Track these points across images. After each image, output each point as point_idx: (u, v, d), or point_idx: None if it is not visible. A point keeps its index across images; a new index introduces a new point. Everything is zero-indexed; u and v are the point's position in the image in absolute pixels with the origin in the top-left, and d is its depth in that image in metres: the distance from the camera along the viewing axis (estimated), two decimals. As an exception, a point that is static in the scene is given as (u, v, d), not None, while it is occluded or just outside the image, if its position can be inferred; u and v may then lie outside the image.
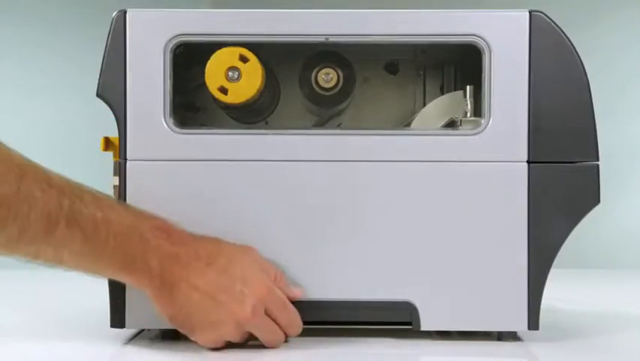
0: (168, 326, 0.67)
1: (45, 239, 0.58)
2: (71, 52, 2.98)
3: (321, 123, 0.85)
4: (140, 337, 0.75)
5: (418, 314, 0.71)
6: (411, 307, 0.71)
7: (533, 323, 0.71)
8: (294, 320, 0.69)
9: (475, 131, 0.72)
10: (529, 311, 0.71)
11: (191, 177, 0.71)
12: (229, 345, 0.67)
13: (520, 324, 0.71)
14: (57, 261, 0.61)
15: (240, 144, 0.72)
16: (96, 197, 0.62)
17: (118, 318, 0.71)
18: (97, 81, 0.71)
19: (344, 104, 0.83)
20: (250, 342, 0.68)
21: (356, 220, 0.71)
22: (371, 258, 0.71)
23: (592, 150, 0.71)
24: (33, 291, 1.15)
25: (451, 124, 0.77)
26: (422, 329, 0.71)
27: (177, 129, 0.71)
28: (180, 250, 0.65)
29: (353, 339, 0.73)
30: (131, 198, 0.70)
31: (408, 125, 0.82)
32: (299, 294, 0.70)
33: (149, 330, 0.76)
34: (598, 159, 0.71)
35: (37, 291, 1.14)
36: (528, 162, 0.71)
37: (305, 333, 0.71)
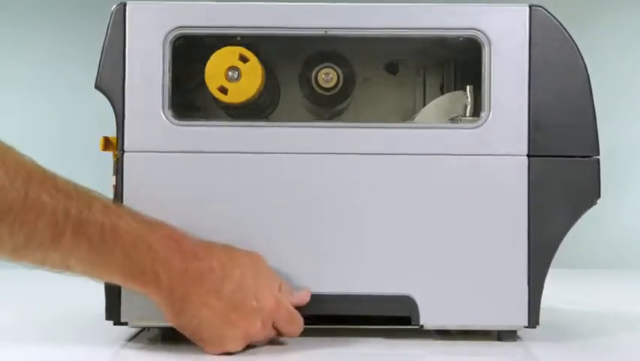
0: (165, 322, 0.67)
1: (51, 246, 0.58)
2: (71, 52, 2.98)
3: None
4: (140, 337, 0.74)
5: (418, 309, 0.71)
6: (410, 301, 0.71)
7: (533, 318, 0.71)
8: (298, 329, 0.69)
9: (475, 125, 0.72)
10: (529, 307, 0.71)
11: (190, 170, 0.71)
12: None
13: (520, 320, 0.71)
14: (64, 267, 0.61)
15: (239, 136, 0.71)
16: (105, 205, 0.62)
17: (114, 311, 0.70)
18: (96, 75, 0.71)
19: (344, 104, 0.83)
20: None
21: (356, 214, 0.71)
22: (371, 252, 0.71)
23: (592, 143, 0.71)
24: (30, 291, 1.15)
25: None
26: (421, 323, 0.71)
27: (176, 121, 0.71)
28: (191, 263, 0.64)
29: (353, 339, 0.73)
30: (128, 190, 0.70)
31: (408, 125, 0.82)
32: (305, 300, 0.70)
33: (148, 330, 0.76)
34: (598, 153, 0.71)
35: (34, 291, 1.14)
36: (528, 155, 0.71)
37: (305, 333, 0.71)
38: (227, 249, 0.67)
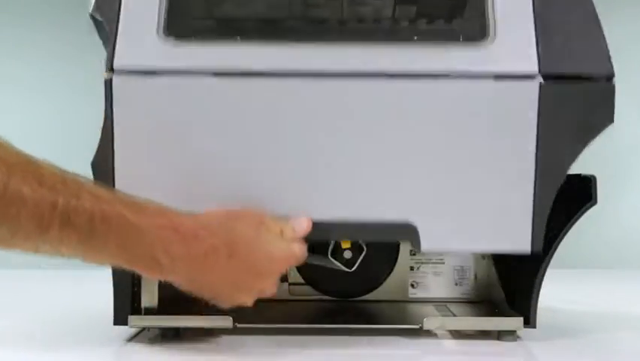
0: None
1: (39, 238, 0.57)
2: (71, 52, 2.98)
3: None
4: (140, 337, 0.74)
5: (419, 235, 0.69)
6: (411, 228, 0.69)
7: (537, 243, 0.69)
8: (302, 260, 0.68)
9: (481, 43, 0.69)
10: (533, 232, 0.69)
11: (184, 91, 0.68)
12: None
13: (522, 245, 0.69)
14: (57, 254, 0.60)
15: (235, 55, 0.69)
16: (95, 194, 0.60)
17: None
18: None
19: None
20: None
21: (357, 139, 0.69)
22: (373, 178, 0.69)
23: (604, 65, 0.69)
24: (30, 291, 1.14)
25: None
26: (422, 249, 0.70)
27: (170, 39, 0.68)
28: (193, 247, 0.62)
29: (354, 339, 0.73)
30: (118, 116, 0.67)
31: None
32: (307, 229, 0.68)
33: (148, 330, 0.76)
34: (613, 75, 0.69)
35: (35, 290, 1.14)
36: (538, 76, 0.68)
37: (306, 332, 0.71)
38: (227, 219, 0.65)
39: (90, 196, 0.59)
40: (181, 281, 0.64)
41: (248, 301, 0.66)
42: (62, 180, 0.58)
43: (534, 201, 0.69)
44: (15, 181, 0.55)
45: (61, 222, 0.57)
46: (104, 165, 0.67)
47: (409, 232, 0.69)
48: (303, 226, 0.68)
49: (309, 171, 0.69)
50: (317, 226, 0.68)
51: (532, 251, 0.69)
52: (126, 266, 0.62)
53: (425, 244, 0.69)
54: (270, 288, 0.66)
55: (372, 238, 0.71)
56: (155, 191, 0.65)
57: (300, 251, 0.67)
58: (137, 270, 0.63)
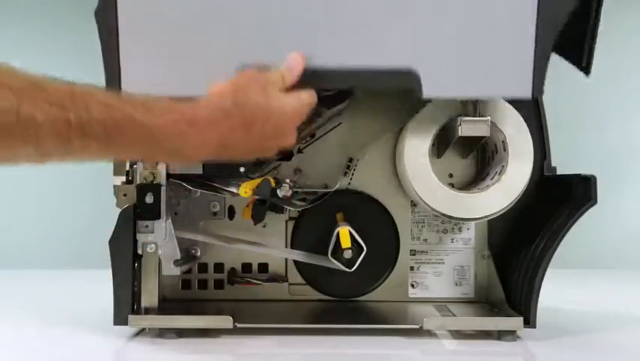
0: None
1: (64, 150, 0.58)
2: (71, 52, 2.98)
3: (322, 124, 0.85)
4: (140, 337, 0.75)
5: (420, 81, 0.69)
6: (412, 74, 0.69)
7: (537, 89, 0.68)
8: (314, 104, 0.69)
9: None
10: (534, 77, 0.68)
11: None
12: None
13: (523, 91, 0.69)
14: (84, 160, 0.61)
15: None
16: (104, 103, 0.60)
17: None
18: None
19: (343, 105, 0.83)
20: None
21: None
22: (374, 25, 0.68)
23: None
24: (31, 291, 1.15)
25: (450, 123, 0.76)
26: (424, 96, 0.69)
27: None
28: (210, 136, 0.64)
29: (354, 339, 0.73)
30: None
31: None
32: (301, 62, 0.68)
33: (148, 330, 0.76)
34: None
35: (35, 290, 1.14)
36: None
37: (306, 332, 0.71)
38: (236, 93, 0.66)
39: (99, 106, 0.60)
40: (206, 159, 0.65)
41: (271, 154, 0.68)
42: (70, 94, 0.59)
43: (535, 46, 0.68)
44: (25, 106, 0.56)
45: (78, 134, 0.58)
46: (107, 16, 0.67)
47: (411, 78, 0.69)
48: (298, 62, 0.68)
49: (311, 18, 0.68)
50: (321, 73, 0.68)
51: (532, 96, 0.69)
52: (151, 160, 0.65)
53: (427, 90, 0.69)
54: (290, 141, 0.68)
55: (374, 84, 0.70)
56: (160, 34, 0.67)
57: (309, 98, 0.68)
58: (161, 160, 0.65)
